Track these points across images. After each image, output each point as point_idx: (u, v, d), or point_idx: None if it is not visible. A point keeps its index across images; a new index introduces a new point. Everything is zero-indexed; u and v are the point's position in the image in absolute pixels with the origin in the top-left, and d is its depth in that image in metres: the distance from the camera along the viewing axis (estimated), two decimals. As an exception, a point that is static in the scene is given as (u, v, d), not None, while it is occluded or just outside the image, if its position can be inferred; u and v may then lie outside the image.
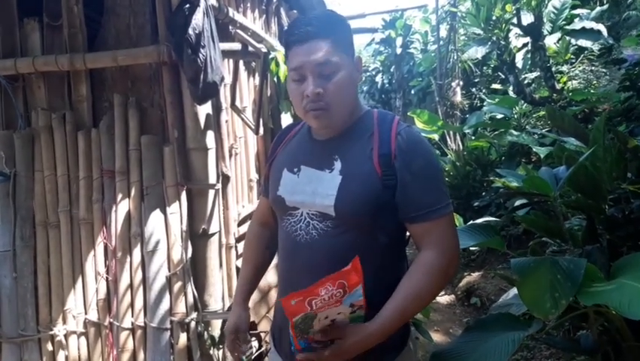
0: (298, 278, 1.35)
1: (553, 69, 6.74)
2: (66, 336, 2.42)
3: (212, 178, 2.56)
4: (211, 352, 2.43)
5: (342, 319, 1.13)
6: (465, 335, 1.86)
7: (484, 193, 5.80)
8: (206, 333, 2.41)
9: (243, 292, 1.57)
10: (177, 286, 2.37)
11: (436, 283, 1.24)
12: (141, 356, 2.34)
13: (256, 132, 3.26)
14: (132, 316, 2.37)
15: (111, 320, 2.40)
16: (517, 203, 3.36)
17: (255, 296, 2.94)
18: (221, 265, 2.63)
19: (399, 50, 12.69)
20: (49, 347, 2.43)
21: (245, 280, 1.58)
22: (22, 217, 2.48)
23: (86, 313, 2.44)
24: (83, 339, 2.44)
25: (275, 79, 3.78)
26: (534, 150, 5.20)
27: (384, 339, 1.20)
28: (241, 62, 3.14)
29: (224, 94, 2.85)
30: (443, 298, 5.01)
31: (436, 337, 3.91)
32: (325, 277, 1.08)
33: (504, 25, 6.70)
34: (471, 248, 5.37)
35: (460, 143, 7.08)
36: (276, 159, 1.48)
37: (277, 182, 1.40)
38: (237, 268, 2.79)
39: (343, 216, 1.25)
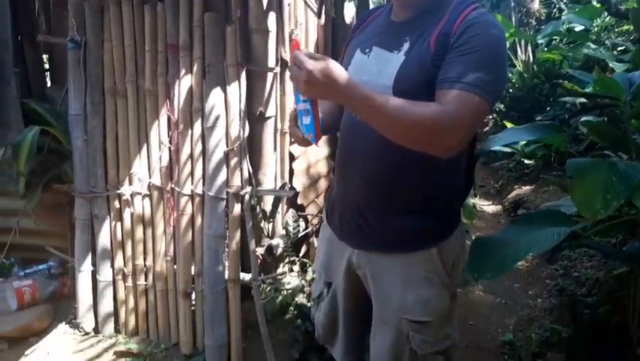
0: (353, 156, 1.40)
1: (648, -23, 6.07)
2: (132, 196, 2.63)
3: (271, 62, 2.57)
4: (262, 224, 2.59)
5: None
6: (510, 226, 1.89)
7: (548, 108, 5.57)
8: (258, 207, 2.55)
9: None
10: (234, 161, 2.48)
11: (427, 120, 1.10)
12: (199, 220, 2.52)
13: (318, 16, 3.19)
14: (192, 184, 2.52)
15: (172, 186, 2.57)
16: (584, 113, 3.21)
17: (304, 182, 3.06)
18: (275, 148, 2.72)
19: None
20: (117, 204, 2.65)
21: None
22: (92, 84, 2.61)
23: (150, 178, 2.61)
24: (147, 200, 2.64)
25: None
26: (610, 65, 4.87)
27: (343, 101, 1.15)
28: (308, -57, 3.01)
29: (289, -25, 2.77)
30: (490, 208, 5.03)
31: (478, 242, 3.97)
32: None
33: None
34: (526, 162, 5.28)
35: (530, 54, 6.70)
36: (352, 41, 1.49)
37: (348, 62, 1.42)
38: (290, 154, 2.87)
39: (397, 96, 1.26)
